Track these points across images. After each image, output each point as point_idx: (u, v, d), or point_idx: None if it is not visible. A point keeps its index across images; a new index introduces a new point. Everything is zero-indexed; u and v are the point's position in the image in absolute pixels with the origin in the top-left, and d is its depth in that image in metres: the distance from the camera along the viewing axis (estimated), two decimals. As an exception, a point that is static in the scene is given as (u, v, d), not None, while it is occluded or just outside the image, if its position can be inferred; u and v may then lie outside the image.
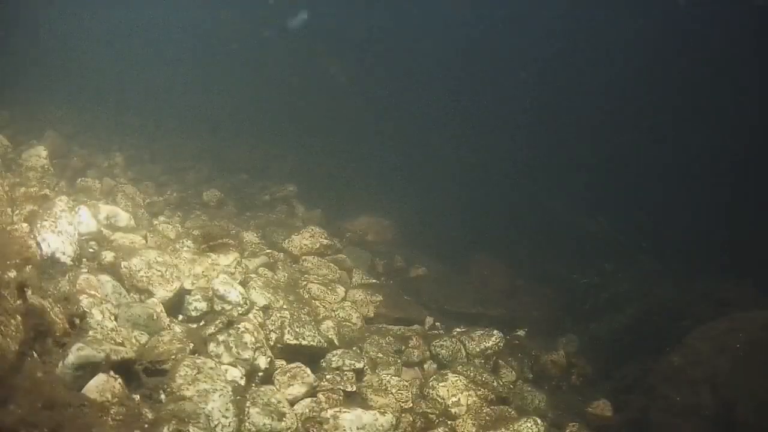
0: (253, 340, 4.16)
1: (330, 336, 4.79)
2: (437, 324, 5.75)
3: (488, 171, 10.03)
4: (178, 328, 4.13)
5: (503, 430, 4.24)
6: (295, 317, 4.71)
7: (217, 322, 4.26)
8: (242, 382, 3.97)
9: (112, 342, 3.61)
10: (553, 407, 5.00)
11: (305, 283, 5.50)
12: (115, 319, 3.91)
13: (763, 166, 7.99)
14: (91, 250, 4.58)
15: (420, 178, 9.74)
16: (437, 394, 4.56)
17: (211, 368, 3.74)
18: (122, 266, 4.38)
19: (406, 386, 4.53)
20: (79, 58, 11.29)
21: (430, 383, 4.66)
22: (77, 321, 3.69)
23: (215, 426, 3.51)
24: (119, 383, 3.29)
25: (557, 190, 9.47)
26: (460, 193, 9.45)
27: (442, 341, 5.21)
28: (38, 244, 4.14)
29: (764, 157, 7.97)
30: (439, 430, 4.28)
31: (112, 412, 3.11)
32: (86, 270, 4.25)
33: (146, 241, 5.04)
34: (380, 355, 4.93)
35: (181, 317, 4.38)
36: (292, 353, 4.48)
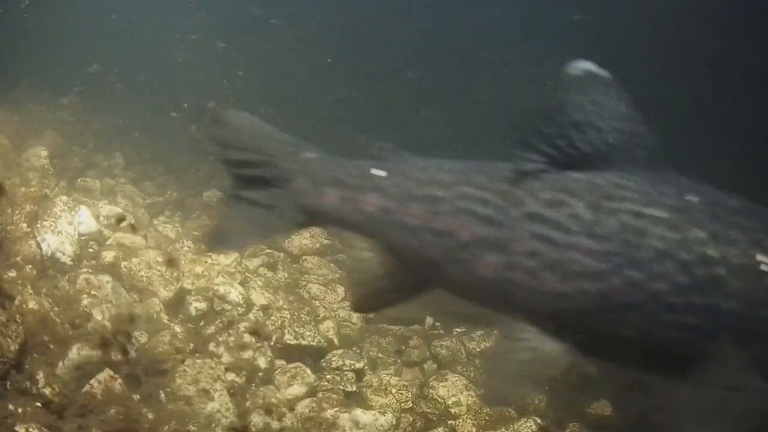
0: (253, 340, 4.16)
1: (330, 336, 4.79)
2: (437, 324, 5.73)
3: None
4: (178, 328, 4.13)
5: (503, 430, 4.24)
6: (295, 317, 4.71)
7: (217, 322, 4.27)
8: (242, 382, 3.97)
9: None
10: (553, 407, 4.99)
11: (305, 283, 5.50)
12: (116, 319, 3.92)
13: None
14: (91, 250, 4.59)
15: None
16: (437, 394, 4.56)
17: (211, 368, 3.74)
18: (122, 266, 4.38)
19: (406, 386, 4.53)
20: (79, 58, 11.29)
21: (430, 383, 4.66)
22: (77, 321, 3.69)
23: (215, 426, 3.51)
24: (119, 383, 3.29)
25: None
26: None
27: (442, 341, 5.21)
28: (38, 244, 4.15)
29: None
30: (439, 430, 4.28)
31: (112, 412, 3.11)
32: (86, 270, 4.25)
33: (146, 241, 5.04)
34: (380, 355, 4.93)
35: (181, 317, 4.39)
36: (292, 353, 4.48)
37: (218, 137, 2.83)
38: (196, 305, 4.42)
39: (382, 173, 2.53)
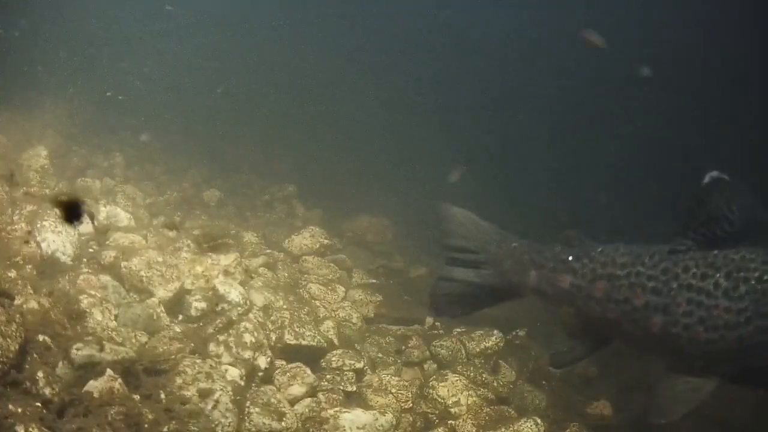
0: (253, 340, 4.16)
1: (330, 336, 4.79)
2: (437, 324, 5.73)
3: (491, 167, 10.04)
4: (178, 328, 4.13)
5: (503, 430, 4.24)
6: (295, 317, 4.71)
7: (217, 322, 4.26)
8: (242, 382, 3.97)
9: (113, 342, 3.61)
10: (553, 407, 4.99)
11: (305, 283, 5.50)
12: (115, 319, 3.92)
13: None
14: (91, 250, 4.59)
15: (422, 176, 9.75)
16: (437, 394, 4.56)
17: (211, 368, 3.74)
18: (122, 266, 4.38)
19: (406, 386, 4.53)
20: (80, 57, 11.31)
21: (430, 383, 4.66)
22: (77, 321, 3.69)
23: (215, 426, 3.51)
24: (119, 383, 3.29)
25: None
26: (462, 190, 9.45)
27: (442, 341, 5.20)
28: (38, 244, 4.14)
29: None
30: (439, 430, 4.28)
31: (112, 412, 3.11)
32: (86, 270, 4.25)
33: (146, 241, 5.04)
34: (380, 355, 4.93)
35: (181, 317, 4.39)
36: (292, 353, 4.48)
37: (442, 228, 3.90)
38: (196, 305, 4.41)
39: (571, 257, 3.45)
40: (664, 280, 3.07)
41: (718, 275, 2.95)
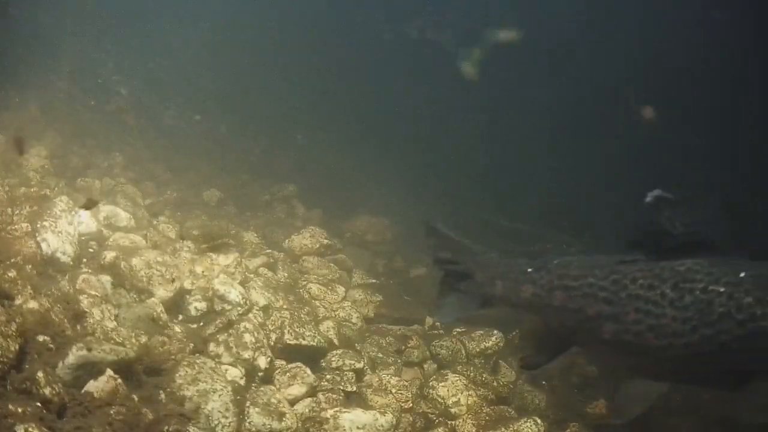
0: (253, 340, 4.16)
1: (330, 336, 4.79)
2: (437, 324, 5.74)
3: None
4: (178, 328, 4.13)
5: (503, 430, 4.24)
6: (295, 317, 4.71)
7: (217, 322, 4.26)
8: (242, 382, 3.97)
9: (112, 342, 3.61)
10: (553, 407, 4.99)
11: (305, 283, 5.50)
12: (115, 319, 3.91)
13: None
14: (91, 250, 4.58)
15: (421, 176, 9.77)
16: (437, 394, 4.57)
17: (211, 368, 3.74)
18: (122, 266, 4.38)
19: (406, 386, 4.54)
20: (79, 57, 11.31)
21: (430, 383, 4.66)
22: (77, 321, 3.69)
23: (215, 426, 3.51)
24: (119, 383, 3.29)
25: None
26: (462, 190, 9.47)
27: (442, 341, 5.21)
28: (38, 244, 4.14)
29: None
30: (439, 430, 4.29)
31: (112, 412, 3.11)
32: (86, 270, 4.25)
33: (146, 241, 5.04)
34: (380, 355, 4.93)
35: (181, 317, 4.39)
36: (292, 353, 4.48)
37: (431, 243, 4.34)
38: (196, 305, 4.42)
39: (531, 269, 3.72)
40: (613, 291, 3.28)
41: (664, 286, 3.14)
